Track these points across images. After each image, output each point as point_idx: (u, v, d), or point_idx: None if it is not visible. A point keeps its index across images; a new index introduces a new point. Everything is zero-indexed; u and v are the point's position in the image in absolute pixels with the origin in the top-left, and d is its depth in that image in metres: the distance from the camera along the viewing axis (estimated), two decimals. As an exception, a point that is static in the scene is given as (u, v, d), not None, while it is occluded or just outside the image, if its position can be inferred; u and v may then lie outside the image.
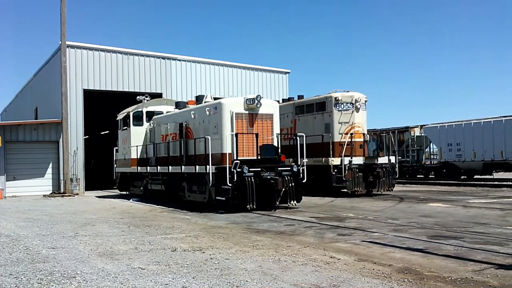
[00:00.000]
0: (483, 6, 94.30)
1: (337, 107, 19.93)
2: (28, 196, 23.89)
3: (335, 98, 19.94)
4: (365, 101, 20.49)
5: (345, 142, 19.31)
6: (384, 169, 19.58)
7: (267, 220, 12.51)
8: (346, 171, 18.88)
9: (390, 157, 20.54)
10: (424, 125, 32.46)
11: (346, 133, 19.64)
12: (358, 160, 19.38)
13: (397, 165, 21.11)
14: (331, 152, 19.59)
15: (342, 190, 19.73)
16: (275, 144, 15.59)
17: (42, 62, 32.41)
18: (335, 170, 19.17)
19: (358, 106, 20.02)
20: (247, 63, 31.72)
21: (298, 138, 16.10)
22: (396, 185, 20.94)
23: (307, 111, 21.31)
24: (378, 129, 35.85)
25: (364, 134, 20.15)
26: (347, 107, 19.94)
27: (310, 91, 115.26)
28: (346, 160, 19.04)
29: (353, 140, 19.48)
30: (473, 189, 22.82)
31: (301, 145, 15.85)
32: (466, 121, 28.85)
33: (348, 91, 20.44)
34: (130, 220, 13.11)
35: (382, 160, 20.19)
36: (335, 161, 19.25)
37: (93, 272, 6.85)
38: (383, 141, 23.55)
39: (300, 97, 22.72)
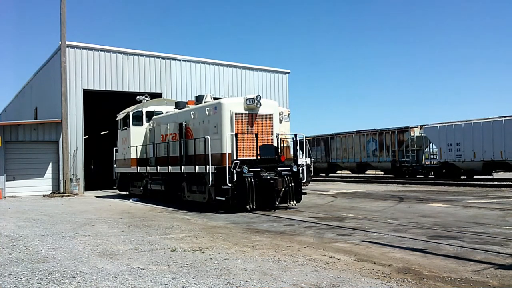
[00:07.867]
0: (483, 6, 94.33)
1: None
2: (28, 196, 23.87)
3: None
4: (288, 114, 23.87)
5: None
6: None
7: (266, 220, 12.51)
8: None
9: (306, 158, 23.89)
10: (424, 125, 32.42)
11: None
12: None
13: (312, 165, 26.54)
14: None
15: None
16: (275, 144, 15.60)
17: (42, 62, 32.44)
18: None
19: (281, 118, 23.67)
20: (247, 63, 31.72)
21: (298, 138, 16.14)
22: (396, 185, 21.31)
23: None
24: (378, 129, 35.91)
25: (284, 140, 24.12)
26: None
27: (310, 91, 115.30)
28: None
29: None
30: (473, 189, 22.81)
31: (301, 145, 15.89)
32: (466, 121, 28.80)
33: None
34: (129, 220, 13.11)
35: (300, 161, 23.14)
36: None
37: (92, 272, 6.85)
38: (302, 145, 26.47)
39: None
